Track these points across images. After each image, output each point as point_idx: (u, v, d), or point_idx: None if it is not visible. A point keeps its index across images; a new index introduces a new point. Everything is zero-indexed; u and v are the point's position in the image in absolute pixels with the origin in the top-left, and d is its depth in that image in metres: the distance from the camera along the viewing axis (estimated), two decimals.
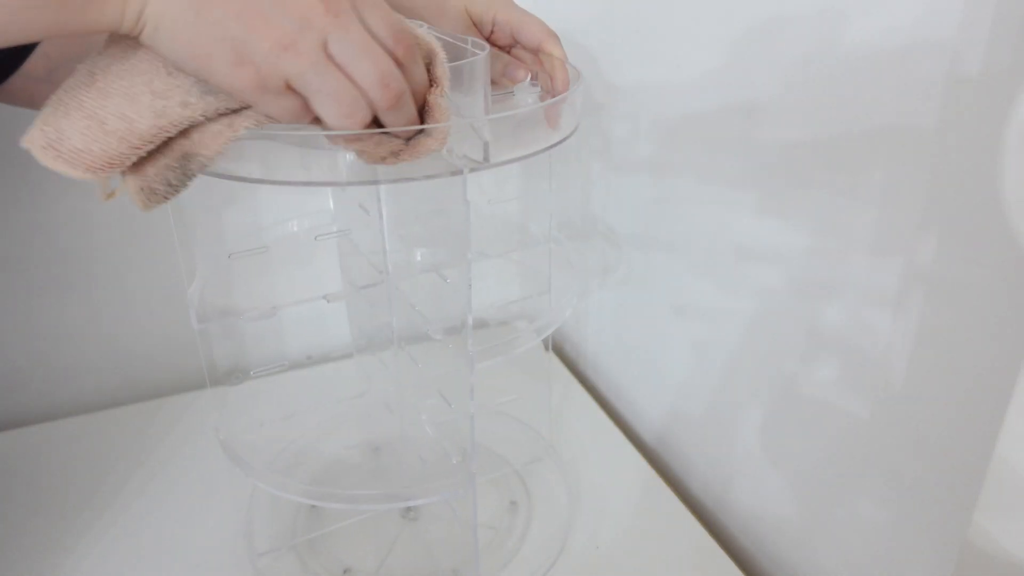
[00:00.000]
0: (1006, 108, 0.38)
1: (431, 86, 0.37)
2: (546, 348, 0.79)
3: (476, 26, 0.52)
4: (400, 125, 0.36)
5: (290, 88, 0.33)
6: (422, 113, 0.37)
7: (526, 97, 0.53)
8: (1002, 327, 0.41)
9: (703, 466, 0.71)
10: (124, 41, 0.34)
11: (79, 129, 0.33)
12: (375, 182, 0.41)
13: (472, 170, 0.40)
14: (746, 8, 0.55)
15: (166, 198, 0.38)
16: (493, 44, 0.52)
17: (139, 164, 0.37)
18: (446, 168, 0.40)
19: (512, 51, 0.53)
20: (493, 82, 0.52)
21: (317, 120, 0.35)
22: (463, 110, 0.43)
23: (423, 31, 0.37)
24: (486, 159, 0.40)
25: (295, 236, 0.63)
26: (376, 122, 0.36)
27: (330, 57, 0.32)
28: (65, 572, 0.58)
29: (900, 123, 0.45)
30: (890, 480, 0.50)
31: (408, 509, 0.65)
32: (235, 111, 0.36)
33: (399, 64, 0.34)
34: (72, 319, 0.76)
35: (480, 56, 0.44)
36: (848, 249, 0.50)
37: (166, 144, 0.36)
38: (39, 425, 0.74)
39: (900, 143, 0.45)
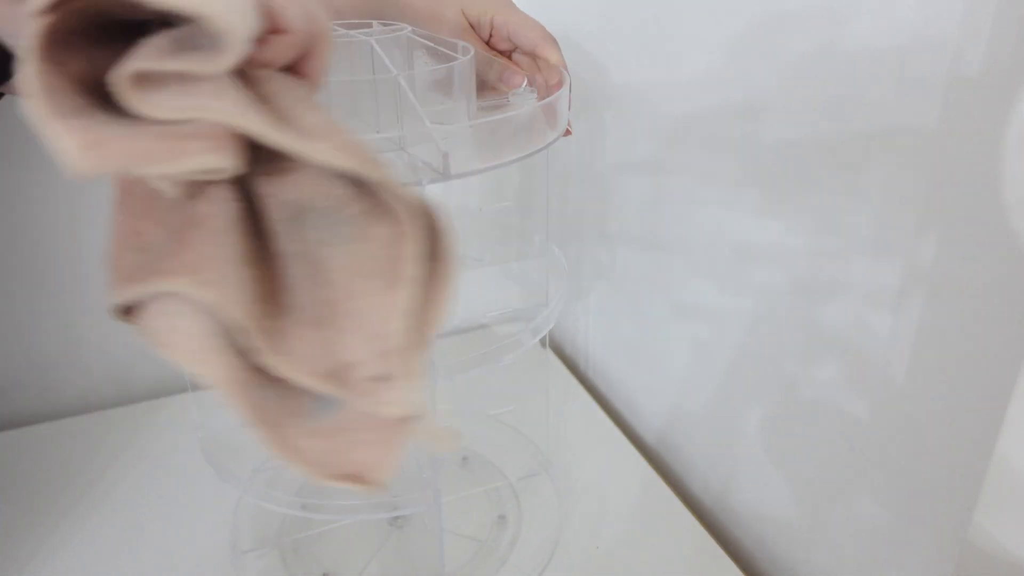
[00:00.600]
0: (1006, 108, 0.38)
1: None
2: (543, 346, 0.81)
3: (474, 28, 0.51)
4: None
5: None
6: None
7: (523, 102, 0.52)
8: (1002, 327, 0.40)
9: (704, 466, 0.71)
10: None
11: None
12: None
13: (432, 181, 0.40)
14: (745, 7, 0.54)
15: None
16: (492, 48, 0.51)
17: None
18: (407, 178, 0.40)
19: (512, 55, 0.52)
20: (491, 88, 0.51)
21: None
22: (446, 116, 0.43)
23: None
24: (445, 171, 0.39)
25: None
26: None
27: None
28: (52, 571, 0.59)
29: (900, 123, 0.45)
30: (890, 480, 0.50)
31: (396, 517, 0.65)
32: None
33: None
34: (58, 320, 0.77)
35: (462, 60, 0.43)
36: (848, 249, 0.49)
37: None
38: (27, 428, 0.76)
39: (900, 143, 0.45)
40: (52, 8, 0.22)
